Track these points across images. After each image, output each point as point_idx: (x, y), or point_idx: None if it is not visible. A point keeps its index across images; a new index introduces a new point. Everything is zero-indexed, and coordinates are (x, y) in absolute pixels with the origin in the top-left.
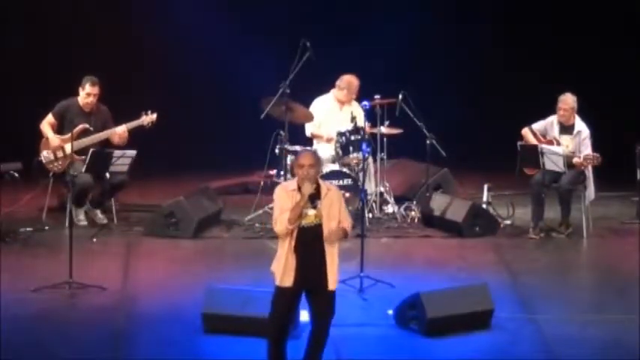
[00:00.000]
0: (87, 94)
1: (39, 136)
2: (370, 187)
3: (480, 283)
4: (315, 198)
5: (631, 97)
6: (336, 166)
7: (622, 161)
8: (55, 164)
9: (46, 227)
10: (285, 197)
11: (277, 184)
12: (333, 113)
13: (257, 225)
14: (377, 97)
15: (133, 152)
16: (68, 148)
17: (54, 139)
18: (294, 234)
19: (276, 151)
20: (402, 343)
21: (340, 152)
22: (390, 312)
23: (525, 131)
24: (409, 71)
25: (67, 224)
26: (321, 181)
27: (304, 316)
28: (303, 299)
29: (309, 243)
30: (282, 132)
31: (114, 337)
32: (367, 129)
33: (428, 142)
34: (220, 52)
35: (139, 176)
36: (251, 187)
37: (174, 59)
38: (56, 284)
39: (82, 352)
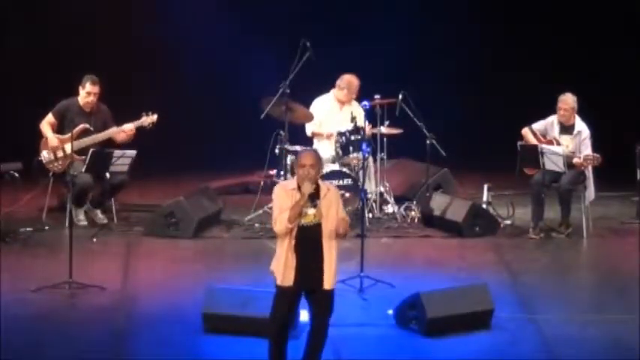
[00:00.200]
0: (87, 93)
1: (39, 136)
2: (370, 187)
3: (480, 283)
4: (314, 197)
5: (631, 97)
6: (336, 166)
7: (622, 161)
8: (55, 164)
9: (46, 227)
10: (284, 196)
11: (277, 184)
12: (333, 113)
13: (257, 225)
14: (377, 97)
15: (133, 152)
16: (68, 147)
17: (53, 138)
18: (294, 233)
19: (276, 151)
20: (402, 343)
21: (340, 152)
22: (390, 312)
23: (525, 131)
24: (409, 71)
25: (67, 224)
26: (320, 182)
27: (304, 316)
28: (303, 299)
29: (309, 242)
30: (282, 132)
31: (114, 337)
32: (367, 130)
33: (428, 142)
34: (220, 52)
35: (139, 176)
36: (251, 187)
37: (174, 59)
38: (56, 284)
39: (82, 352)
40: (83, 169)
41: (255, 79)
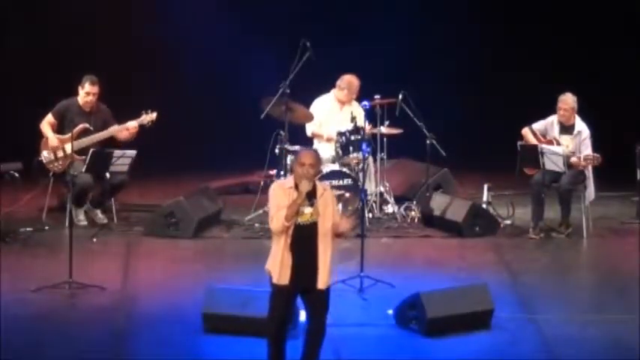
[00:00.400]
0: (86, 93)
1: (39, 136)
2: (370, 187)
3: (480, 283)
4: (311, 196)
5: (631, 97)
6: (336, 166)
7: (622, 161)
8: (55, 164)
9: (46, 227)
10: (281, 195)
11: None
12: (333, 113)
13: (257, 225)
14: (377, 97)
15: (133, 152)
16: (68, 147)
17: (53, 138)
18: (290, 231)
19: (276, 151)
20: (402, 343)
21: (340, 152)
22: (390, 312)
23: (525, 131)
24: (409, 71)
25: (67, 224)
26: (317, 182)
27: (303, 315)
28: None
29: (304, 241)
30: (282, 132)
31: (114, 337)
32: (368, 130)
33: (428, 142)
34: (220, 52)
35: (139, 176)
36: (251, 187)
37: (175, 59)
38: (56, 284)
39: (82, 352)
40: (83, 169)
41: (255, 79)
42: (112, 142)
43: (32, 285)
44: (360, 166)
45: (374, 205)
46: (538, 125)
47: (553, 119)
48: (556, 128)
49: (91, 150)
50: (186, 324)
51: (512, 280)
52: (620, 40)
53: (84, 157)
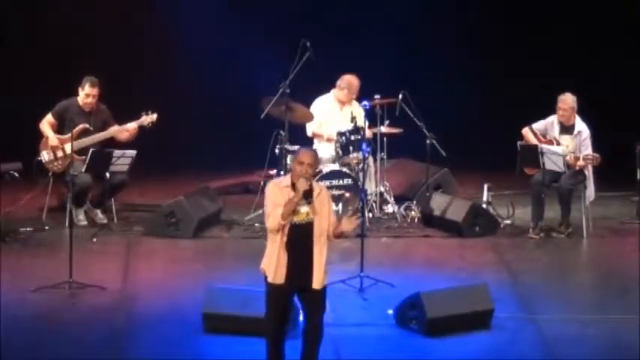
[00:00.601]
0: (86, 94)
1: (39, 136)
2: (370, 187)
3: (480, 283)
4: (308, 195)
5: (631, 97)
6: (336, 166)
7: (622, 161)
8: (55, 164)
9: (46, 227)
10: (278, 193)
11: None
12: (333, 113)
13: (257, 225)
14: (377, 97)
15: (133, 152)
16: (68, 147)
17: (53, 138)
18: (286, 230)
19: (276, 151)
20: (402, 343)
21: (340, 152)
22: (390, 312)
23: (525, 131)
24: (409, 71)
25: (67, 224)
26: (314, 182)
27: None
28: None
29: (300, 240)
30: (282, 132)
31: (114, 337)
32: (368, 132)
33: (428, 142)
34: (220, 52)
35: (139, 176)
36: (251, 187)
37: (175, 59)
38: (56, 284)
39: (82, 352)
40: (83, 169)
41: (255, 79)
42: (112, 143)
43: (32, 285)
44: (360, 166)
45: (374, 205)
46: (538, 125)
47: (553, 119)
48: (556, 128)
49: (91, 150)
50: (186, 324)
51: (512, 280)
52: (620, 40)
53: (84, 157)
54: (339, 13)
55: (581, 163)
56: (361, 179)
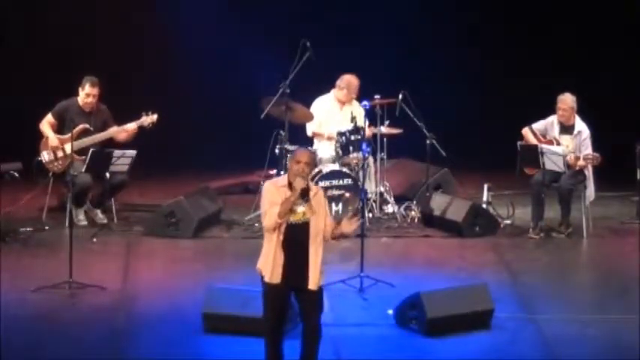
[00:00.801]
0: (86, 94)
1: (39, 136)
2: (370, 187)
3: (479, 283)
4: (305, 195)
5: (631, 97)
6: (336, 166)
7: (622, 161)
8: (55, 164)
9: (46, 227)
10: (275, 192)
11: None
12: (333, 113)
13: (257, 225)
14: (377, 97)
15: (133, 152)
16: (68, 147)
17: (54, 138)
18: (282, 230)
19: (276, 151)
20: (402, 343)
21: (340, 152)
22: (390, 312)
23: (525, 131)
24: (409, 71)
25: (67, 224)
26: (310, 183)
27: None
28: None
29: (296, 240)
30: (282, 132)
31: (114, 337)
32: (368, 131)
33: (428, 142)
34: (220, 52)
35: (139, 176)
36: (251, 187)
37: (175, 59)
38: (56, 284)
39: (82, 352)
40: (83, 169)
41: (255, 79)
42: (112, 143)
43: (32, 285)
44: (360, 166)
45: (374, 205)
46: (538, 125)
47: (553, 119)
48: (556, 128)
49: (91, 150)
50: (186, 324)
51: (512, 280)
52: (620, 40)
53: (84, 157)
54: (339, 13)
55: (581, 162)
56: (361, 179)
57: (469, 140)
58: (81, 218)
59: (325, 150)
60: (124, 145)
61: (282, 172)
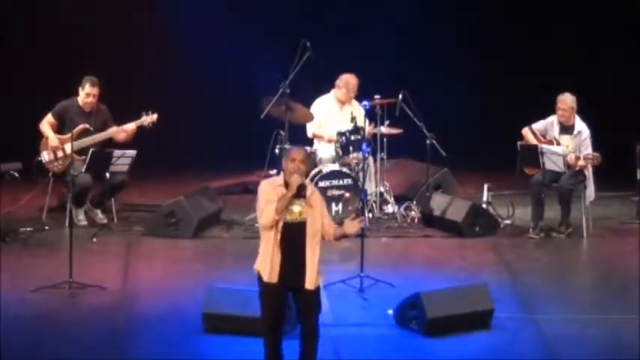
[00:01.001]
0: (86, 94)
1: (39, 136)
2: (370, 187)
3: (480, 283)
4: (301, 193)
5: (631, 97)
6: (336, 166)
7: (622, 161)
8: (55, 164)
9: (46, 227)
10: (271, 191)
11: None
12: (333, 113)
13: (257, 225)
14: (377, 97)
15: (133, 152)
16: (68, 147)
17: (54, 138)
18: (279, 229)
19: (276, 151)
20: (402, 343)
21: (340, 152)
22: (390, 312)
23: (525, 131)
24: (409, 71)
25: (67, 224)
26: (307, 182)
27: None
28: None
29: (293, 239)
30: (282, 132)
31: (114, 337)
32: (368, 131)
33: (428, 142)
34: (220, 52)
35: (139, 176)
36: (251, 187)
37: (175, 59)
38: (56, 284)
39: (82, 352)
40: (83, 169)
41: (255, 79)
42: (111, 143)
43: (32, 285)
44: (360, 166)
45: (374, 205)
46: (538, 125)
47: (553, 119)
48: (556, 128)
49: (91, 150)
50: (186, 324)
51: (512, 280)
52: (620, 40)
53: (84, 157)
54: (339, 13)
55: (581, 162)
56: (361, 179)
57: (469, 140)
58: (81, 218)
59: (325, 150)
60: (124, 145)
61: (282, 172)
